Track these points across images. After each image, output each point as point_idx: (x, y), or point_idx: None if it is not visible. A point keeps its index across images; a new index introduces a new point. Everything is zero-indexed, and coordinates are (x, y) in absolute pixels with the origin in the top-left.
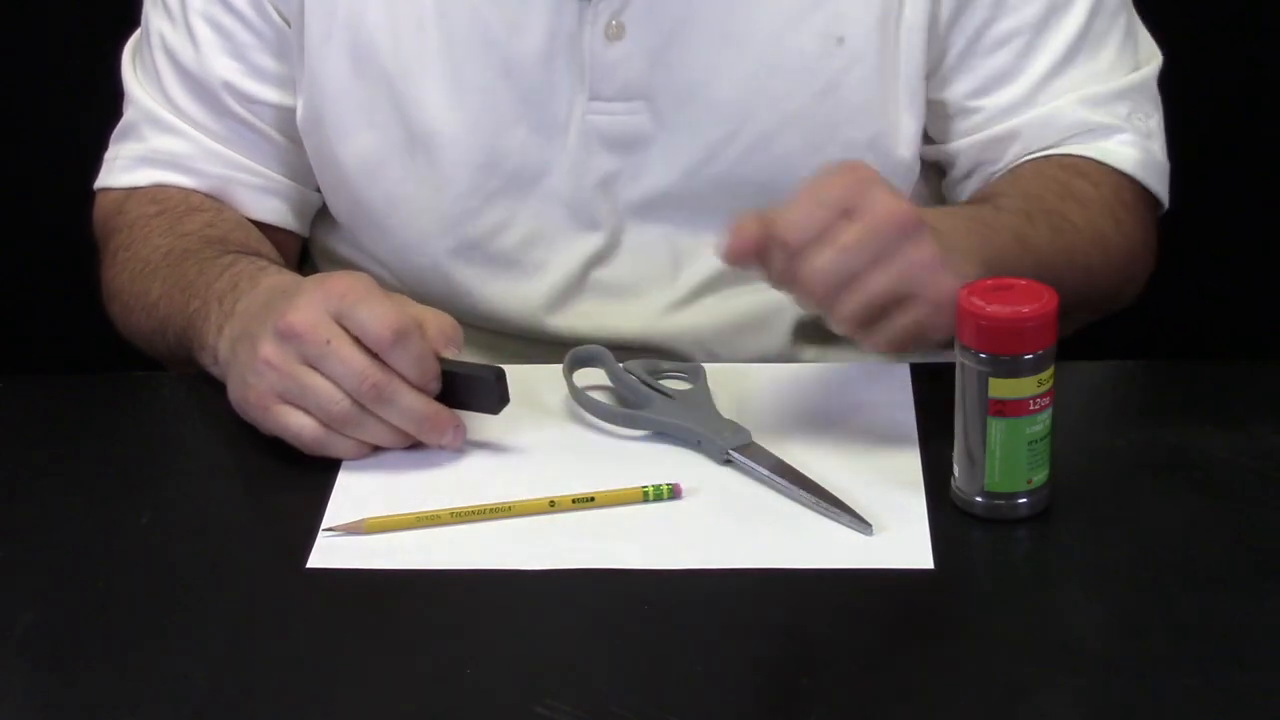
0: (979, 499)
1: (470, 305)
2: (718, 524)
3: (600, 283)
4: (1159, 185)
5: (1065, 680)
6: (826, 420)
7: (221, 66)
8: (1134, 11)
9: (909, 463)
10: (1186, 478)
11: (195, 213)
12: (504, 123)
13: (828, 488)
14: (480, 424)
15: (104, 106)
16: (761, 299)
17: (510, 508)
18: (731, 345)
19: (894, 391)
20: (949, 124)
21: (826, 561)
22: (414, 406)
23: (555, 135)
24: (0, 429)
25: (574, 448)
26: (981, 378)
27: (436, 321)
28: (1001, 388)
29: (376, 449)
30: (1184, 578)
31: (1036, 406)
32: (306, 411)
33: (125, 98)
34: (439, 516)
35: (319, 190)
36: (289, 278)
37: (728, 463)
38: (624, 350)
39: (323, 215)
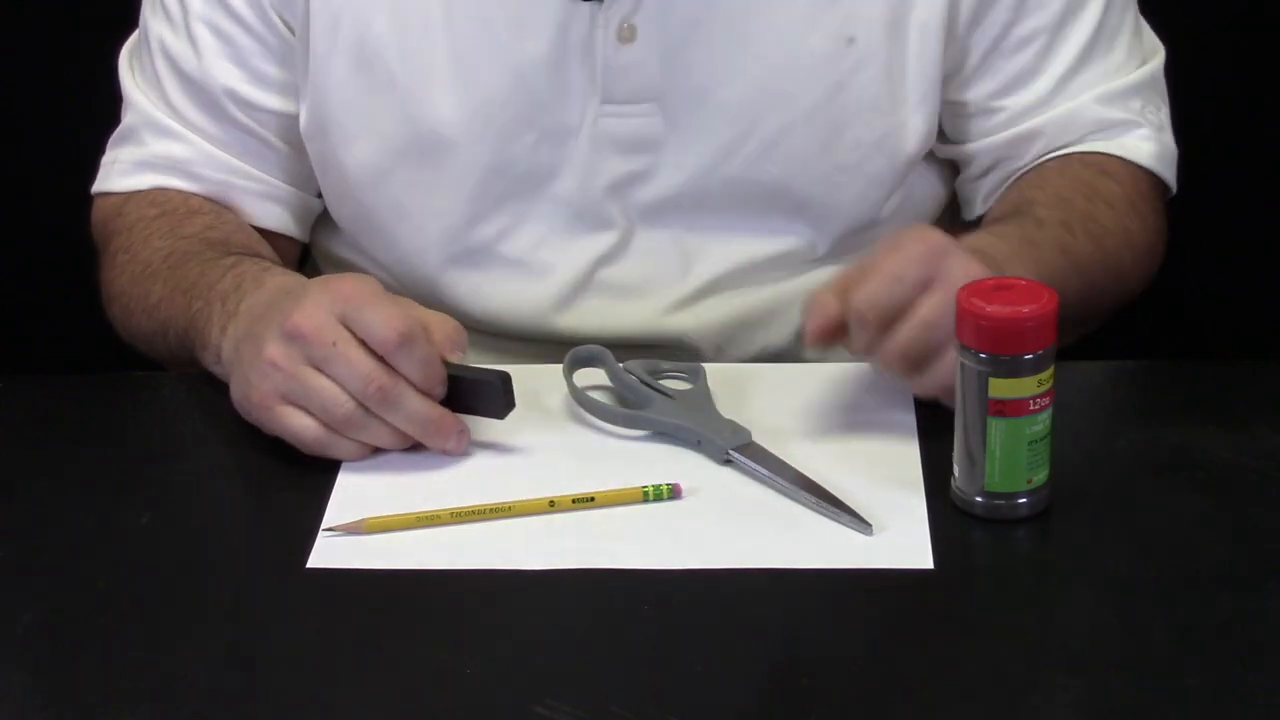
0: (979, 499)
1: (476, 307)
2: (718, 524)
3: (607, 282)
4: (1171, 175)
5: (1065, 680)
6: (826, 420)
7: (223, 73)
8: (1135, 6)
9: (909, 463)
10: (1187, 478)
11: (196, 215)
12: (514, 127)
13: (828, 488)
14: (481, 424)
15: (105, 107)
16: (766, 297)
17: (510, 508)
18: (736, 343)
19: (894, 391)
20: (968, 124)
21: (826, 561)
22: (419, 410)
23: (566, 139)
24: (0, 429)
25: (574, 448)
26: (981, 378)
27: (442, 325)
28: (1001, 388)
29: (377, 450)
30: (1184, 578)
31: (1036, 406)
32: (309, 413)
33: (124, 102)
34: (439, 516)
35: (320, 196)
36: (293, 278)
37: (728, 463)
38: (629, 348)
39: (324, 219)
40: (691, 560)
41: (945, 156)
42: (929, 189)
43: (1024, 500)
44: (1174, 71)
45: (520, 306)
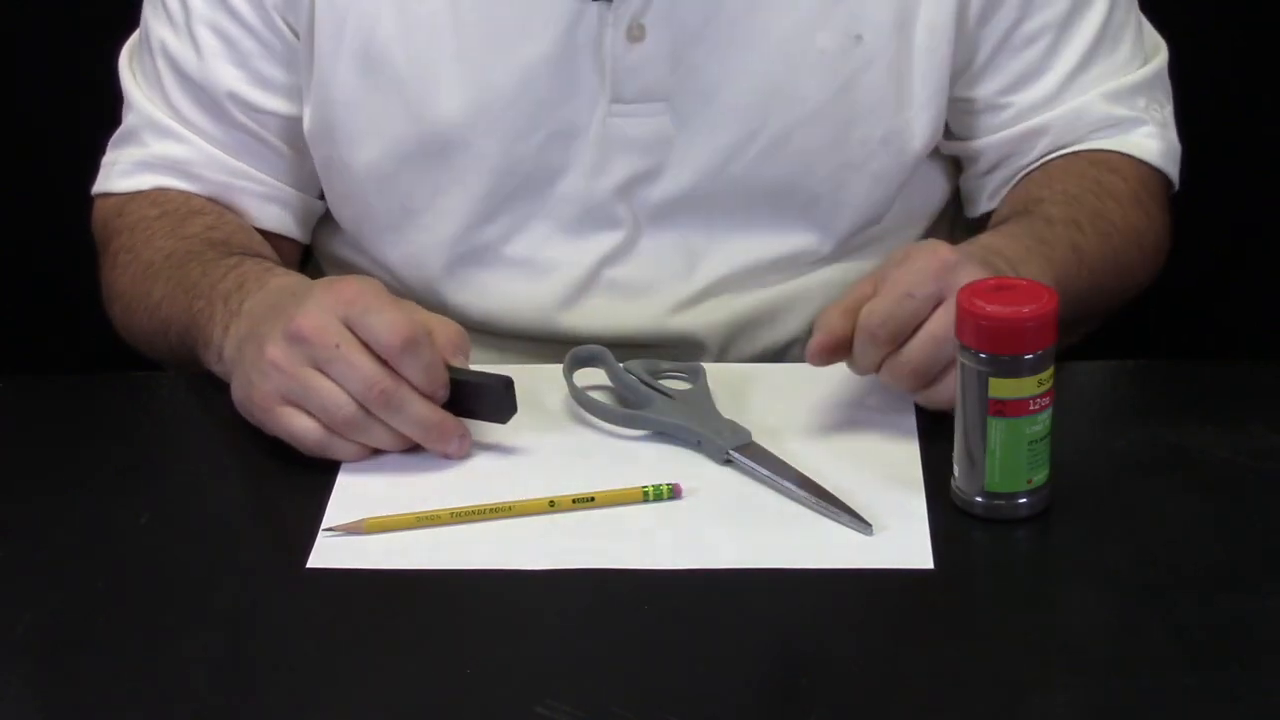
0: (979, 499)
1: (480, 307)
2: (718, 524)
3: (613, 281)
4: (1176, 172)
5: (1065, 680)
6: (826, 420)
7: (225, 74)
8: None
9: (909, 463)
10: (1186, 478)
11: (197, 215)
12: (521, 127)
13: (828, 488)
14: (481, 425)
15: (106, 106)
16: (771, 297)
17: (510, 508)
18: (740, 343)
19: (894, 392)
20: (975, 120)
21: (826, 561)
22: (421, 414)
23: (574, 138)
24: (0, 429)
25: (574, 448)
26: (981, 378)
27: (444, 329)
28: (1001, 388)
29: (377, 451)
30: (1183, 578)
31: (1036, 406)
32: (310, 414)
33: (124, 103)
34: (439, 516)
35: (322, 198)
36: (296, 279)
37: (728, 463)
38: (633, 348)
39: (326, 220)
40: (691, 560)
41: (950, 153)
42: (931, 186)
43: (1024, 500)
44: (1173, 70)
45: (525, 306)
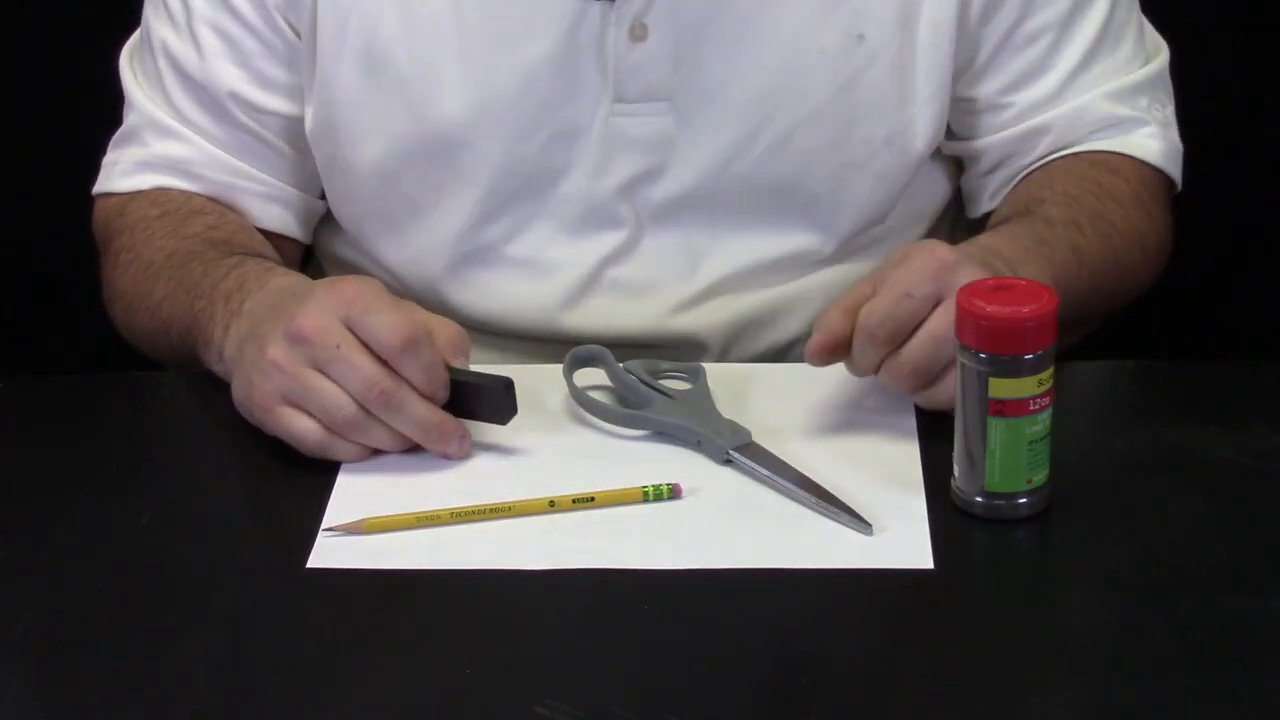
0: (979, 499)
1: (482, 307)
2: (718, 524)
3: (615, 281)
4: (1178, 172)
5: (1065, 680)
6: (826, 420)
7: (227, 75)
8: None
9: (909, 463)
10: (1187, 478)
11: (198, 215)
12: (524, 127)
13: (828, 488)
14: (481, 425)
15: (106, 106)
16: (773, 297)
17: (510, 508)
18: (742, 343)
19: (894, 392)
20: (977, 120)
21: (826, 561)
22: (422, 415)
23: (577, 138)
24: (0, 429)
25: (574, 448)
26: (981, 378)
27: (445, 330)
28: (1001, 388)
29: (376, 451)
30: (1184, 578)
31: (1036, 406)
32: (310, 415)
33: (125, 102)
34: (439, 516)
35: (323, 198)
36: (297, 279)
37: (728, 463)
38: (635, 348)
39: (327, 220)
40: (691, 560)
41: (952, 153)
42: (933, 187)
43: (1024, 500)
44: (1174, 71)
45: (527, 306)
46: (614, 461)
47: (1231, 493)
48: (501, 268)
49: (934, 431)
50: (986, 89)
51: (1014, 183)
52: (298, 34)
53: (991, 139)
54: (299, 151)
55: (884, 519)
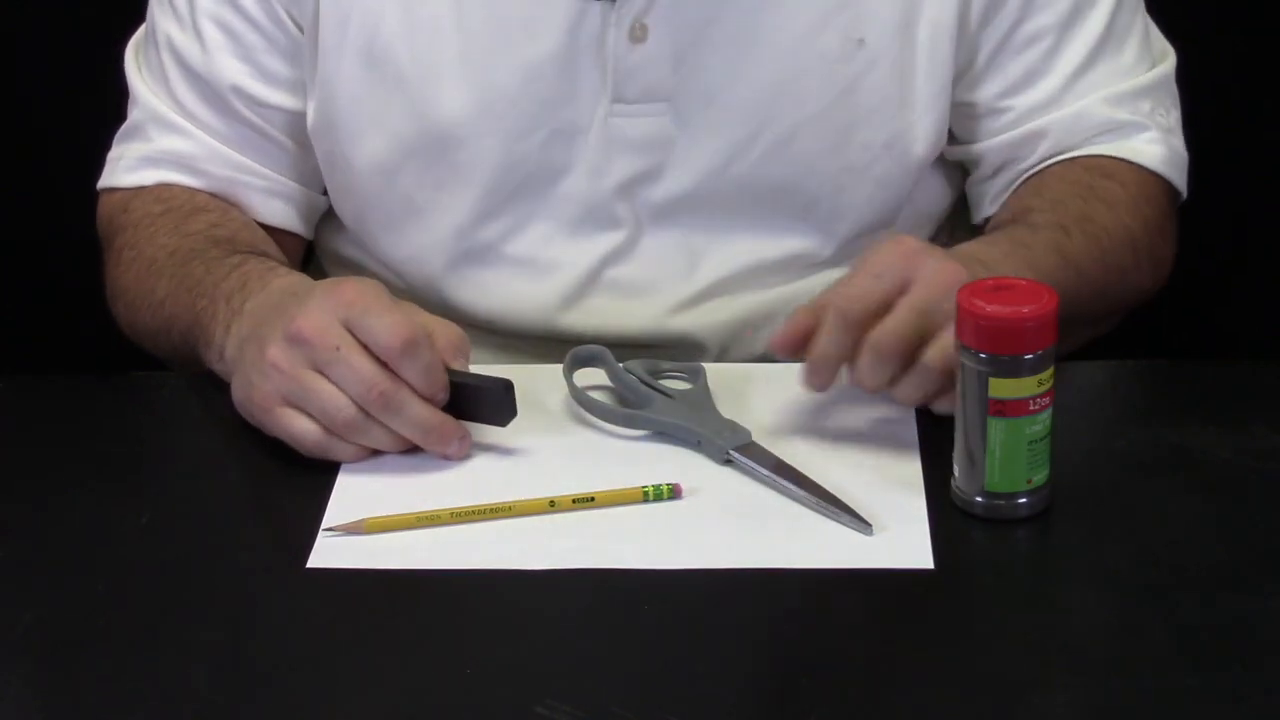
0: (979, 499)
1: (481, 306)
2: (718, 524)
3: (614, 281)
4: (1181, 179)
5: (1065, 680)
6: (826, 420)
7: (230, 69)
8: (1144, 9)
9: (909, 463)
10: (1187, 478)
11: (201, 212)
12: (524, 125)
13: (828, 488)
14: (481, 426)
15: (106, 105)
16: (772, 299)
17: (510, 508)
18: (740, 344)
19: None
20: (977, 124)
21: (826, 561)
22: (421, 416)
23: (576, 138)
24: (0, 429)
25: (574, 448)
26: (981, 378)
27: (445, 332)
28: (1001, 388)
29: (376, 451)
30: (1184, 578)
31: (1036, 406)
32: (310, 416)
33: (129, 98)
34: (439, 516)
35: (325, 194)
36: (298, 279)
37: (728, 463)
38: (633, 347)
39: (329, 217)
40: (691, 560)
41: (954, 158)
42: (934, 191)
43: (1024, 500)
44: (1175, 73)
45: (525, 305)
46: (614, 461)
47: (1231, 493)
48: (501, 266)
49: (934, 431)
50: (985, 93)
51: (1013, 188)
52: (300, 28)
53: (990, 143)
54: (301, 146)
55: (884, 519)
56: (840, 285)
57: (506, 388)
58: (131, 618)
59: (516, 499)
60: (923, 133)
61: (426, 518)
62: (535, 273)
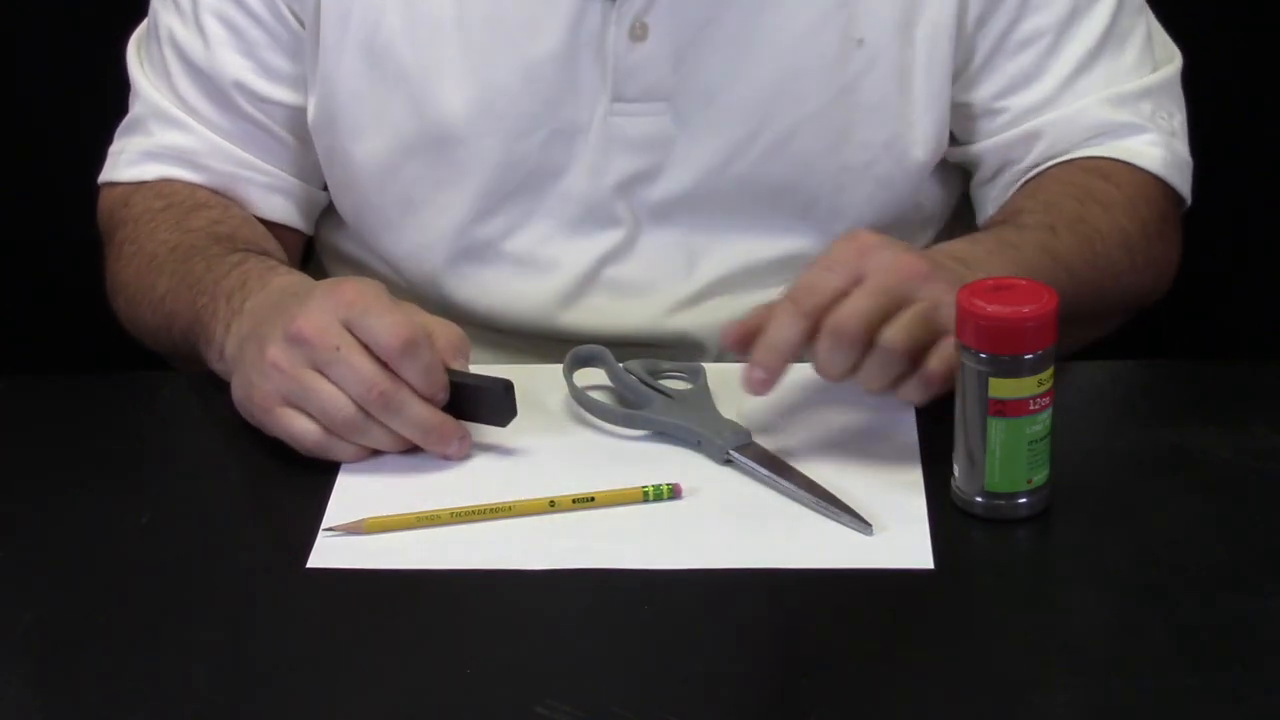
0: (979, 499)
1: (480, 304)
2: (718, 524)
3: (613, 280)
4: (1183, 183)
5: (1065, 680)
6: (826, 420)
7: (232, 64)
8: (1150, 12)
9: (909, 463)
10: (1187, 478)
11: (202, 209)
12: (524, 123)
13: (828, 488)
14: (481, 426)
15: (106, 104)
16: (770, 297)
17: (510, 508)
18: None
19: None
20: (974, 125)
21: (826, 561)
22: (421, 416)
23: (576, 136)
24: (0, 429)
25: (574, 448)
26: (981, 378)
27: (445, 332)
28: (1001, 388)
29: (376, 451)
30: (1184, 578)
31: (1036, 406)
32: (310, 416)
33: (131, 92)
34: (439, 516)
35: (325, 189)
36: (298, 279)
37: (728, 463)
38: (632, 347)
39: (329, 214)
40: (691, 560)
41: (954, 160)
42: (934, 195)
43: (1024, 500)
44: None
45: (524, 304)
46: (614, 461)
47: (1231, 493)
48: (500, 264)
49: (934, 431)
50: (981, 93)
51: (1012, 190)
52: (302, 23)
53: (986, 144)
54: (302, 142)
55: (884, 519)
56: (798, 279)
57: (506, 388)
58: (131, 618)
59: (516, 499)
60: (922, 133)
61: (426, 518)
62: (534, 271)
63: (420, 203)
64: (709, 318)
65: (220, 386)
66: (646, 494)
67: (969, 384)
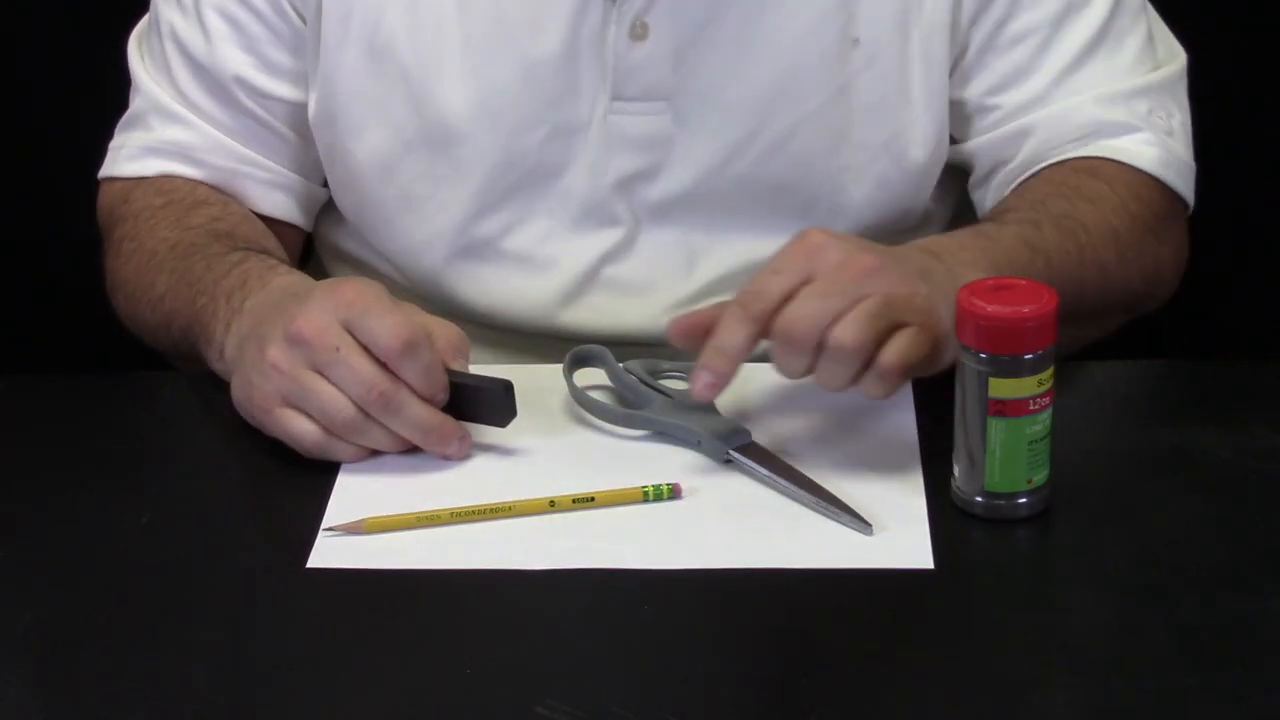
0: (979, 499)
1: (480, 302)
2: (718, 524)
3: (613, 279)
4: (1181, 183)
5: (1065, 680)
6: (826, 420)
7: (233, 60)
8: (1154, 11)
9: (909, 463)
10: (1187, 478)
11: (202, 206)
12: (524, 122)
13: (828, 488)
14: (481, 426)
15: (107, 103)
16: None
17: (510, 508)
18: None
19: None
20: (967, 123)
21: (826, 561)
22: (421, 417)
23: (576, 135)
24: (0, 429)
25: (574, 448)
26: (981, 378)
27: (445, 332)
28: (1001, 388)
29: (375, 451)
30: (1184, 578)
31: (1036, 406)
32: (310, 416)
33: (132, 87)
34: (439, 516)
35: (326, 186)
36: (298, 278)
37: (728, 463)
38: (631, 346)
39: (329, 211)
40: (691, 560)
41: (952, 160)
42: (933, 196)
43: (1024, 500)
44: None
45: (524, 302)
46: (614, 461)
47: (1231, 493)
48: (500, 262)
49: (934, 431)
50: (974, 90)
51: (1009, 188)
52: (303, 19)
53: (978, 141)
54: (303, 138)
55: (884, 519)
56: (746, 286)
57: (506, 388)
58: (131, 618)
59: (516, 499)
60: (921, 133)
61: (426, 518)
62: (534, 269)
63: (420, 200)
64: None
65: (220, 386)
66: (646, 494)
67: (969, 384)
